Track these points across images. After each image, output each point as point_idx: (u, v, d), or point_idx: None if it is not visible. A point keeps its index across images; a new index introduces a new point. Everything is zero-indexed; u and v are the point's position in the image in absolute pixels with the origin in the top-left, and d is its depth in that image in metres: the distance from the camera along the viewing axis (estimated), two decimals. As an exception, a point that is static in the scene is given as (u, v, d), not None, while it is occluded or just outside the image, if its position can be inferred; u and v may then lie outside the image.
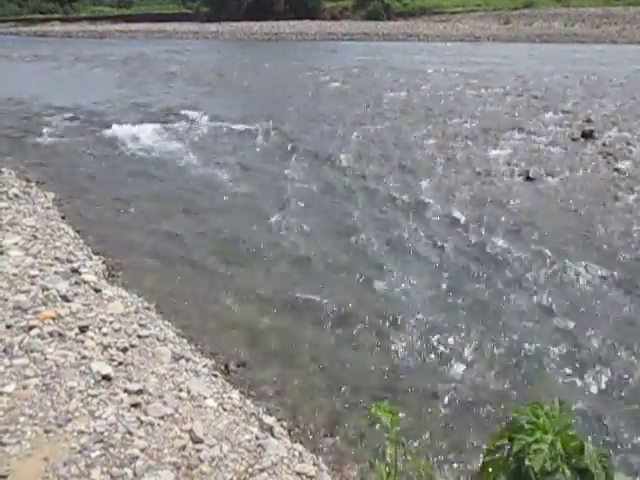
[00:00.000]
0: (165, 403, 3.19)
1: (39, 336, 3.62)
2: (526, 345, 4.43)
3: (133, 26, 55.88)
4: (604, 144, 10.07)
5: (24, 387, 3.11)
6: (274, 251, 6.05)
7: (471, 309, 4.98)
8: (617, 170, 8.70)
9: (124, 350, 3.68)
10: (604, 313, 4.92)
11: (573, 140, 10.44)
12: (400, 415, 2.17)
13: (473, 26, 43.93)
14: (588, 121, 11.77)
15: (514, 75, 19.17)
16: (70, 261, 5.20)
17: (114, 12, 69.99)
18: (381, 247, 6.18)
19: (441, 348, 4.39)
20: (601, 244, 6.25)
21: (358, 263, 5.80)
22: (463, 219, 6.94)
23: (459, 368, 4.17)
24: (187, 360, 3.87)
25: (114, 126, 11.64)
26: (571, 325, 4.73)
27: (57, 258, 5.20)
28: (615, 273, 5.59)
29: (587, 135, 10.55)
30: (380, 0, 55.38)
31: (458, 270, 5.69)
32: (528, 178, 8.41)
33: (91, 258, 5.63)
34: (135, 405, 3.08)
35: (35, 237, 5.65)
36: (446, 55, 27.49)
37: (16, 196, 7.19)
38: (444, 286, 5.37)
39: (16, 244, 5.34)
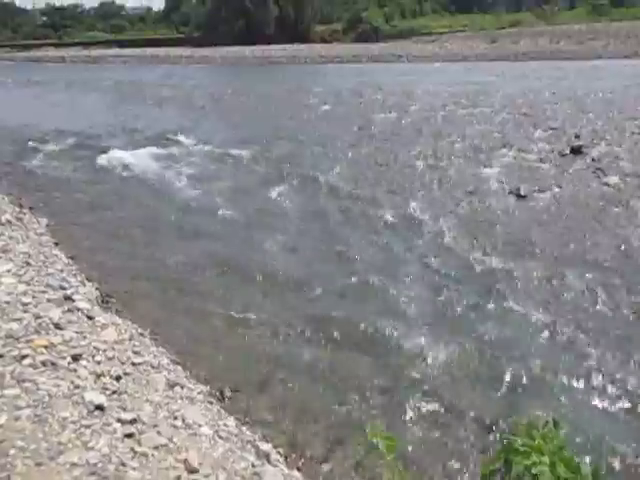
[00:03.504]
0: (159, 432, 3.14)
1: (31, 365, 3.57)
2: (523, 361, 4.43)
3: (126, 51, 56.45)
4: (593, 159, 10.18)
5: (16, 418, 3.06)
6: (268, 275, 6.03)
7: (467, 326, 4.97)
8: (607, 184, 8.78)
9: (118, 378, 3.63)
10: (599, 326, 4.93)
11: (562, 156, 10.54)
12: (398, 437, 2.13)
13: (461, 46, 44.54)
14: (576, 137, 11.91)
15: (502, 93, 19.41)
16: (63, 288, 5.16)
17: (107, 37, 70.66)
18: (375, 268, 6.17)
19: (438, 368, 4.37)
20: (594, 258, 6.28)
21: (352, 284, 5.79)
22: (456, 238, 6.96)
23: (457, 387, 4.15)
24: (182, 387, 3.83)
25: (107, 151, 11.69)
26: (566, 339, 4.74)
27: (50, 285, 5.16)
28: (609, 287, 5.61)
29: (576, 151, 10.67)
30: (369, 23, 56.24)
31: (452, 288, 5.69)
32: (519, 195, 8.47)
33: (84, 284, 5.59)
34: (129, 435, 3.03)
35: (28, 264, 5.61)
36: (435, 75, 27.87)
37: (9, 222, 7.17)
38: (438, 304, 5.37)
39: (9, 271, 5.29)
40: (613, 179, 9.00)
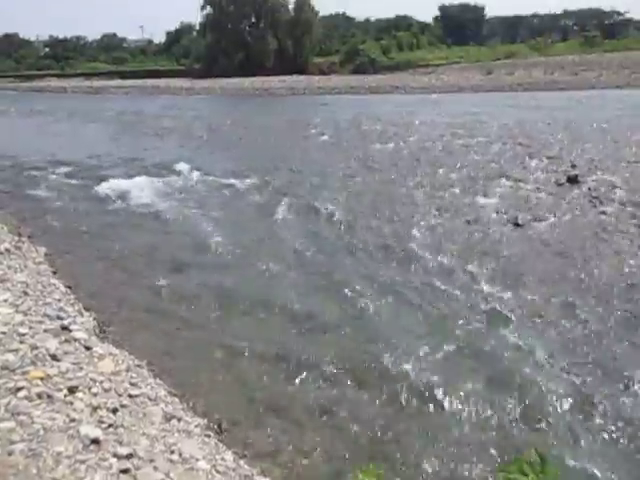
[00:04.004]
0: (156, 468, 3.08)
1: (27, 398, 3.52)
2: (524, 395, 4.37)
3: (127, 82, 57.18)
4: (589, 188, 10.26)
5: (9, 453, 3.00)
6: (267, 306, 6.00)
7: (467, 361, 4.93)
8: (604, 213, 8.84)
9: (114, 411, 3.58)
10: (599, 356, 4.89)
11: (559, 185, 10.62)
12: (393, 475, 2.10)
13: (457, 77, 45.21)
14: (573, 166, 12.02)
15: (498, 123, 19.63)
16: (60, 318, 5.13)
17: (109, 68, 71.71)
18: (374, 300, 6.15)
19: (438, 405, 4.32)
20: (593, 287, 6.28)
21: (351, 317, 5.77)
22: (455, 268, 6.95)
23: (457, 426, 4.09)
24: (179, 420, 3.77)
25: (107, 180, 11.77)
26: (567, 369, 4.70)
27: (47, 315, 5.13)
28: (608, 316, 5.61)
29: (572, 180, 10.76)
30: (366, 55, 57.21)
31: (452, 321, 5.66)
32: (517, 224, 8.51)
33: (82, 314, 5.56)
34: (125, 471, 2.97)
35: (26, 293, 5.59)
36: (432, 106, 28.21)
37: (7, 251, 7.16)
38: (438, 338, 5.32)
39: (6, 301, 5.27)
40: (610, 208, 9.06)
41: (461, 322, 5.60)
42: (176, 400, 4.17)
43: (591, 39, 57.42)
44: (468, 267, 6.94)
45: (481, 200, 9.88)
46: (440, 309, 5.90)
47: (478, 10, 76.69)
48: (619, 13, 69.63)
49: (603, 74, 39.50)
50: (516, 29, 74.99)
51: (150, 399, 3.94)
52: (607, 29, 63.68)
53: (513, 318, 5.63)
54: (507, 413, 4.18)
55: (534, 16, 76.61)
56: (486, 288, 6.34)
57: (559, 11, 75.97)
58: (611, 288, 6.22)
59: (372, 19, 76.82)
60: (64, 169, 13.25)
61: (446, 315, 5.77)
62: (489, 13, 78.00)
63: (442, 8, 77.01)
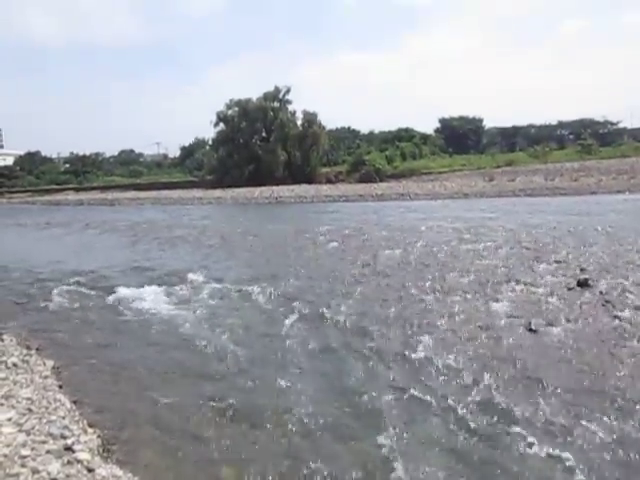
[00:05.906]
0: None
1: (23, 530, 3.34)
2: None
3: (142, 194, 59.40)
4: (601, 292, 10.19)
5: None
6: (276, 419, 5.82)
7: (481, 473, 4.67)
8: (618, 318, 8.71)
9: (114, 543, 3.37)
10: (619, 467, 4.63)
11: (570, 289, 10.57)
12: None
13: (460, 184, 46.59)
14: (582, 270, 12.04)
15: (504, 229, 19.97)
16: (64, 437, 5.00)
17: (125, 182, 74.96)
18: (385, 410, 5.95)
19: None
20: (611, 394, 6.07)
21: (361, 429, 5.56)
22: (469, 377, 6.77)
23: None
24: None
25: (118, 290, 11.90)
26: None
27: (51, 434, 5.01)
28: (628, 424, 5.37)
29: (583, 284, 10.72)
30: (372, 164, 59.77)
31: (466, 430, 5.44)
32: (531, 330, 8.39)
33: (86, 432, 5.41)
34: None
35: (30, 410, 5.51)
36: (437, 212, 28.90)
37: (15, 365, 7.15)
38: (450, 449, 5.10)
39: (10, 420, 5.18)
40: (624, 312, 8.94)
41: (475, 434, 5.37)
42: (180, 528, 3.92)
43: (587, 147, 60.06)
44: (482, 375, 6.76)
45: (492, 305, 9.81)
46: (453, 421, 5.67)
47: (477, 122, 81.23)
48: (612, 123, 73.63)
49: (603, 179, 40.75)
50: (514, 139, 78.89)
51: (153, 528, 3.71)
52: (601, 137, 66.93)
53: (529, 428, 5.41)
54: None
55: (530, 126, 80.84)
56: (501, 398, 6.12)
57: (554, 122, 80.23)
58: (631, 397, 5.99)
59: (376, 131, 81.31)
60: (76, 279, 13.45)
61: (460, 426, 5.53)
62: (487, 124, 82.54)
63: (442, 120, 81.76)
